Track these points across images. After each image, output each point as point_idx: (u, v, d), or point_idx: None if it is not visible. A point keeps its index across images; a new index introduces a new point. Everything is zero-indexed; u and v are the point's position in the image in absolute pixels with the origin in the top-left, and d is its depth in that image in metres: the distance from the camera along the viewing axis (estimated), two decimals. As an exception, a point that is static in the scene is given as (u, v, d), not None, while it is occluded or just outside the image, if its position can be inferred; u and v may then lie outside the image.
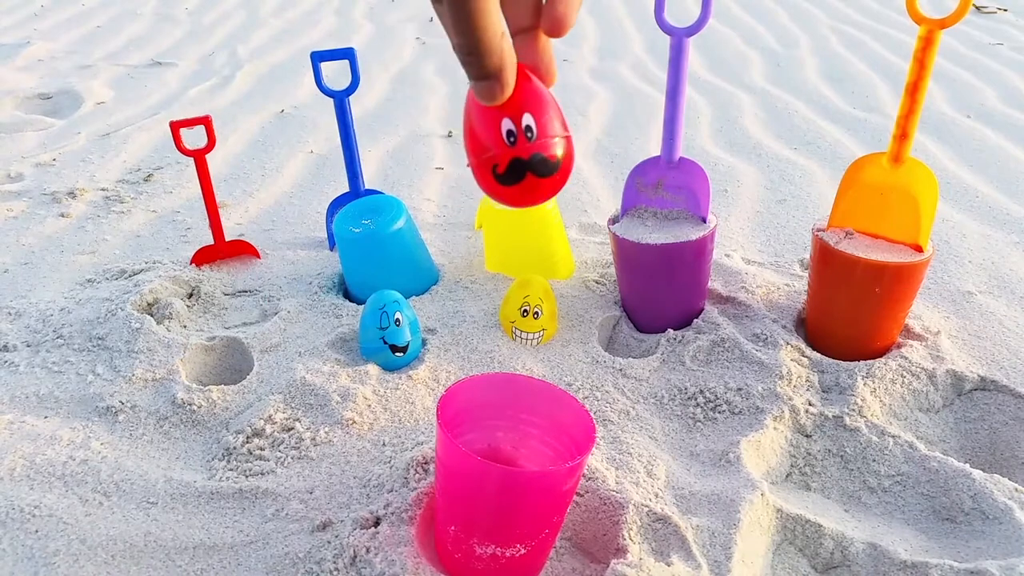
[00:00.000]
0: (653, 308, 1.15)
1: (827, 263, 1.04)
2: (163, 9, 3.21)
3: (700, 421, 0.99)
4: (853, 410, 0.97)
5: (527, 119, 0.48)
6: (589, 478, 0.86)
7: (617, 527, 0.80)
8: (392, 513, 0.80)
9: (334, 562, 0.76)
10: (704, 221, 1.09)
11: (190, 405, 1.00)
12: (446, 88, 2.37)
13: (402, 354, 1.06)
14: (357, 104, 2.16)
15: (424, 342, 1.12)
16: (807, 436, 0.96)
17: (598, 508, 0.83)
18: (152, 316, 1.16)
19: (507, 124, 0.48)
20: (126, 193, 1.66)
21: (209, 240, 1.46)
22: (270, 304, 1.23)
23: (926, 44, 0.92)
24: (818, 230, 1.06)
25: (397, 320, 1.05)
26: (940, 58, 2.50)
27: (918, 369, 1.03)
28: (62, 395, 1.02)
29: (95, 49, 2.70)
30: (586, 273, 1.29)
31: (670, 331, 1.12)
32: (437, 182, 1.73)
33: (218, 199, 1.63)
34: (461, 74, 2.49)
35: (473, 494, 0.69)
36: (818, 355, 1.07)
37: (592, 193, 1.67)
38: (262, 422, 0.95)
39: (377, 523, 0.79)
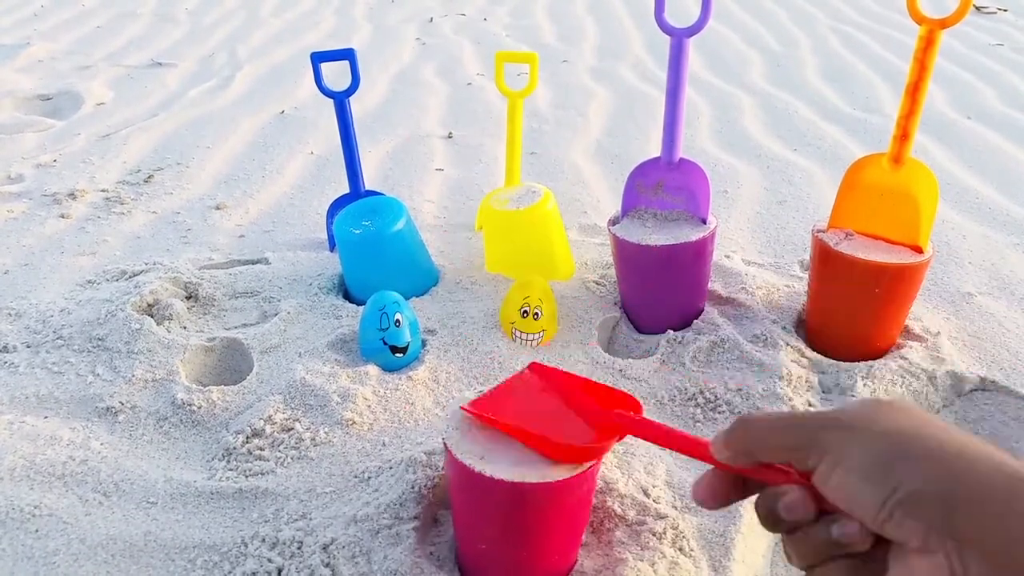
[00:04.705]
0: (653, 309, 1.15)
1: (827, 264, 1.04)
2: (163, 9, 3.21)
3: (700, 422, 0.99)
4: (853, 411, 0.97)
5: None
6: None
7: (616, 527, 0.80)
8: (392, 513, 0.80)
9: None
10: (704, 222, 1.10)
11: (190, 405, 1.00)
12: (446, 88, 2.37)
13: (402, 355, 1.06)
14: (357, 104, 2.16)
15: (424, 343, 1.12)
16: (807, 437, 0.96)
17: (597, 507, 0.83)
18: (152, 317, 1.16)
19: None
20: (126, 194, 1.66)
21: (210, 241, 1.46)
22: (270, 305, 1.23)
23: (927, 44, 0.92)
24: (818, 231, 1.06)
25: (397, 321, 1.05)
26: (940, 58, 2.49)
27: (918, 370, 1.03)
28: (62, 396, 1.02)
29: (95, 49, 2.70)
30: (586, 274, 1.29)
31: (670, 332, 1.12)
32: (437, 183, 1.73)
33: (217, 200, 1.64)
34: (460, 74, 2.49)
35: (481, 508, 0.68)
36: (818, 356, 1.07)
37: (592, 194, 1.67)
38: (262, 422, 0.95)
39: (377, 522, 0.79)
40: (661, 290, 1.12)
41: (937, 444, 0.36)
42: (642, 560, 0.76)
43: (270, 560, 0.77)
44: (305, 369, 1.04)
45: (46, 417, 0.99)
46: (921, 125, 1.08)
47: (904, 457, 0.35)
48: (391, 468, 0.87)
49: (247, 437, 0.94)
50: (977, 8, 3.10)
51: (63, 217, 1.55)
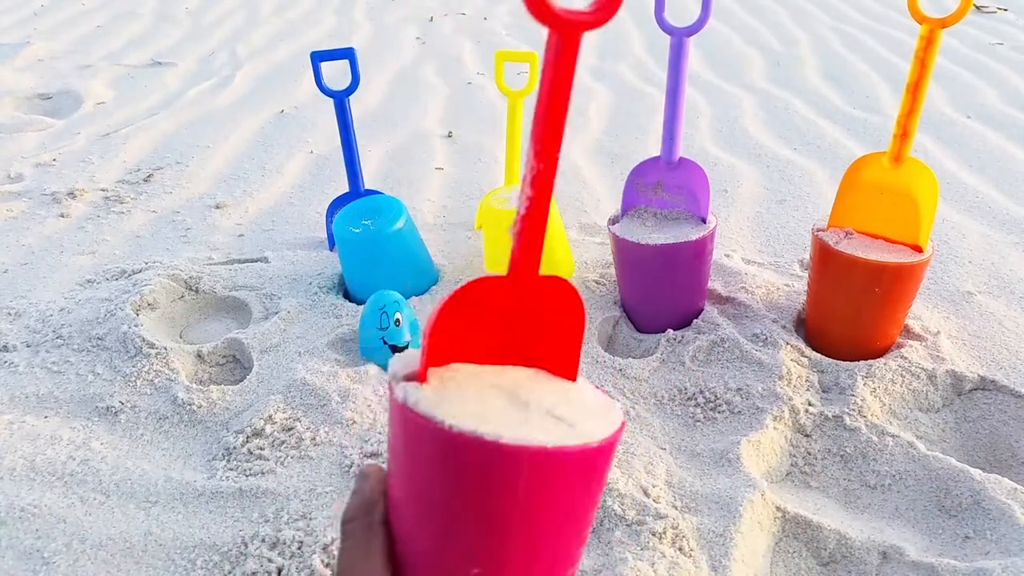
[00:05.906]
0: (653, 308, 1.15)
1: (827, 263, 1.04)
2: (163, 9, 3.21)
3: (700, 421, 0.99)
4: (853, 410, 0.97)
5: None
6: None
7: (616, 526, 0.81)
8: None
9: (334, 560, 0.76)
10: (704, 221, 1.10)
11: (190, 405, 1.00)
12: (446, 88, 2.37)
13: (402, 354, 1.06)
14: (357, 104, 2.16)
15: (424, 342, 1.12)
16: (807, 436, 0.96)
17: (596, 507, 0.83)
18: (152, 316, 1.16)
19: None
20: (126, 193, 1.66)
21: (209, 240, 1.46)
22: (270, 304, 1.23)
23: (927, 43, 0.92)
24: (818, 230, 1.06)
25: (397, 320, 1.05)
26: (940, 58, 2.49)
27: (918, 369, 1.03)
28: (62, 395, 1.02)
29: (95, 49, 2.70)
30: (586, 273, 1.29)
31: (670, 331, 1.12)
32: (437, 182, 1.73)
33: (218, 199, 1.64)
34: (460, 74, 2.49)
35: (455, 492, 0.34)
36: (818, 355, 1.07)
37: (592, 193, 1.67)
38: (262, 422, 0.95)
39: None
40: (661, 289, 1.12)
41: None
42: (642, 560, 0.76)
43: (270, 560, 0.77)
44: (305, 369, 1.04)
45: (46, 417, 0.99)
46: (921, 124, 1.08)
47: None
48: (391, 467, 0.87)
49: (247, 437, 0.94)
50: (977, 7, 3.10)
51: (63, 216, 1.55)
